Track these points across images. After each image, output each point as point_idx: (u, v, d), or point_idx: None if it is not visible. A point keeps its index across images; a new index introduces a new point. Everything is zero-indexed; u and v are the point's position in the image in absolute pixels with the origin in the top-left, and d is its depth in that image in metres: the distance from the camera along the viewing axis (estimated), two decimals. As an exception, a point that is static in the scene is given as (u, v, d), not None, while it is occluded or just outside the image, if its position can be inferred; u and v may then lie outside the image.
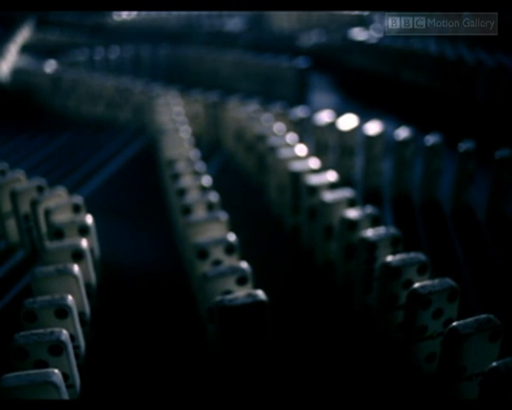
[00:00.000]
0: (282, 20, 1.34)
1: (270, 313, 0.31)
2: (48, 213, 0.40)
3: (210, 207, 0.41)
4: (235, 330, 0.30)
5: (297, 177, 0.46)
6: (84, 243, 0.36)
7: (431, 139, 0.53)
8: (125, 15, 1.44)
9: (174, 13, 1.40)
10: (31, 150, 0.72)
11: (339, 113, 0.65)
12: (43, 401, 0.26)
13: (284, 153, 0.50)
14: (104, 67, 1.04)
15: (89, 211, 0.43)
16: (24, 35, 1.28)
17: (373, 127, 0.57)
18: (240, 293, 0.31)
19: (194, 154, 0.51)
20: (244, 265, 0.33)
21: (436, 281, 0.31)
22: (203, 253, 0.36)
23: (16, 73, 0.99)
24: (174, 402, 0.32)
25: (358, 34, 1.01)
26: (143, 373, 0.33)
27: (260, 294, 0.31)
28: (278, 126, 0.59)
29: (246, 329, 0.30)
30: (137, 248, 0.47)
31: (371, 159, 0.57)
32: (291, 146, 0.53)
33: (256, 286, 0.33)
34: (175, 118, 0.62)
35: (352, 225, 0.38)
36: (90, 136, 0.77)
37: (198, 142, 0.60)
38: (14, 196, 0.44)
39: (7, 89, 0.95)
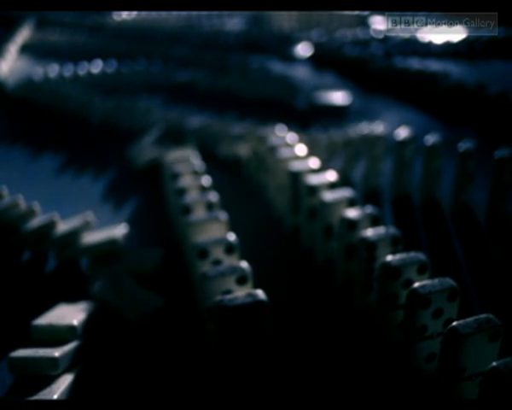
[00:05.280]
0: (282, 19, 1.34)
1: (270, 313, 0.31)
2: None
3: (210, 207, 0.41)
4: (235, 330, 0.30)
5: (297, 177, 0.46)
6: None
7: (431, 139, 0.53)
8: (125, 15, 1.44)
9: (174, 13, 1.40)
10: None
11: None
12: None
13: (284, 153, 0.50)
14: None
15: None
16: (24, 35, 1.28)
17: (373, 127, 0.57)
18: (240, 293, 0.31)
19: (194, 154, 0.51)
20: (244, 265, 0.34)
21: (436, 281, 0.31)
22: (203, 253, 0.36)
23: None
24: (174, 402, 0.32)
25: None
26: (143, 374, 0.33)
27: (260, 294, 0.31)
28: (278, 126, 0.59)
29: (246, 329, 0.30)
30: (137, 248, 0.47)
31: (371, 159, 0.57)
32: (291, 146, 0.52)
33: (256, 286, 0.33)
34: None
35: (352, 224, 0.38)
36: (92, 136, 0.77)
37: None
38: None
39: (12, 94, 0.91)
